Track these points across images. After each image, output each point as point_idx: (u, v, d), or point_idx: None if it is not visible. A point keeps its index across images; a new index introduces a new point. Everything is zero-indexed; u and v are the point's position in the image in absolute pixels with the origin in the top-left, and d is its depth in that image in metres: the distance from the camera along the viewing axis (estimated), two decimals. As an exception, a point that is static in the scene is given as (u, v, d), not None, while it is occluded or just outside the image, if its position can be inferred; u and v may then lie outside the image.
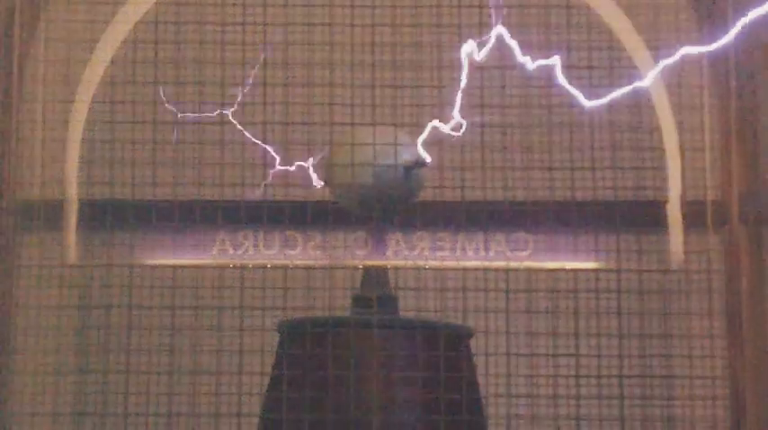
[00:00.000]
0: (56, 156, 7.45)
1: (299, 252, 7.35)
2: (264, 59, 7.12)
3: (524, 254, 7.29)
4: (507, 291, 7.06)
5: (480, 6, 7.20)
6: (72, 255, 7.40)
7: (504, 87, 7.09)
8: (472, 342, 6.96)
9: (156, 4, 7.33)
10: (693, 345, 7.08)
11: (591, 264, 7.20)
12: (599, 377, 7.01)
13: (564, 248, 7.22)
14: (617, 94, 6.92)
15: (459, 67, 7.07)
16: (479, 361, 6.98)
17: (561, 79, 6.76)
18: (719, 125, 7.40)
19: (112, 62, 7.36)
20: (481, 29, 7.07)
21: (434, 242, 7.36)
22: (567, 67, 7.13)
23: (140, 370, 7.10)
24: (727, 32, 7.17)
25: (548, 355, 7.06)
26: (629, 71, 7.36)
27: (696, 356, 7.07)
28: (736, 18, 7.15)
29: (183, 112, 7.09)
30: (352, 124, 6.96)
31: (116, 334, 7.18)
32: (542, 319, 7.13)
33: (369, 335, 6.62)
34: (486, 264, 7.22)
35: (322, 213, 7.13)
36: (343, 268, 7.15)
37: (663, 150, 7.35)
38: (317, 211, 7.15)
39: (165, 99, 7.04)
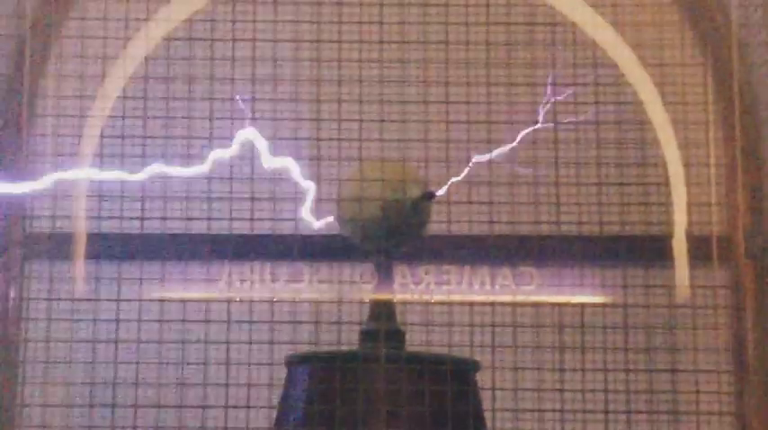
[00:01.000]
0: (65, 189, 7.48)
1: (306, 285, 7.38)
2: (274, 94, 7.18)
3: (530, 288, 7.32)
4: (514, 326, 7.08)
5: (487, 43, 7.27)
6: (80, 288, 7.42)
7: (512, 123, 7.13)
8: (479, 376, 6.97)
9: (166, 39, 7.39)
10: (700, 381, 7.08)
11: (597, 299, 7.23)
12: (606, 412, 7.02)
13: (570, 283, 7.25)
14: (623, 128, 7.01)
15: (467, 103, 7.15)
16: (486, 395, 6.99)
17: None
18: (725, 160, 7.43)
19: (123, 96, 7.41)
20: (488, 67, 7.16)
21: (440, 276, 7.38)
22: (574, 104, 7.20)
23: (148, 403, 7.11)
24: (732, 67, 7.25)
25: (555, 390, 7.06)
26: (634, 106, 7.42)
27: (703, 391, 7.07)
28: (741, 53, 7.23)
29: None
30: (360, 159, 6.99)
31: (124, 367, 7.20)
32: (549, 354, 7.13)
33: (376, 368, 6.63)
34: (493, 298, 7.24)
35: (329, 247, 7.16)
36: (350, 302, 7.18)
37: (668, 185, 7.39)
38: (325, 245, 7.18)
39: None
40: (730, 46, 7.23)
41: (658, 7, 7.35)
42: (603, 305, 7.20)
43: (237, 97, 7.10)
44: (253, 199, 7.15)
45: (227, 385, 7.07)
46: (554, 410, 7.05)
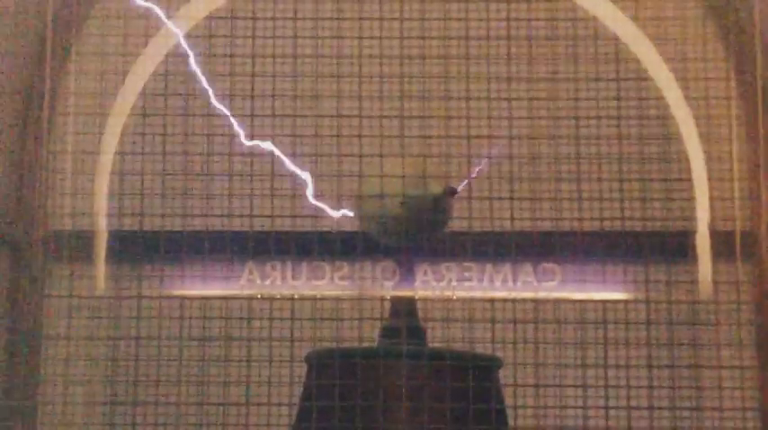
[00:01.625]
0: (86, 188, 7.50)
1: (327, 282, 7.36)
2: (294, 92, 7.17)
3: (552, 284, 7.28)
4: (536, 322, 7.06)
5: (508, 38, 7.24)
6: (101, 285, 7.43)
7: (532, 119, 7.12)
8: (501, 373, 6.95)
9: (186, 36, 7.39)
10: (723, 376, 7.04)
11: (620, 295, 7.19)
12: (629, 408, 6.98)
13: (593, 279, 7.21)
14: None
15: (487, 99, 7.13)
16: (508, 392, 6.96)
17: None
18: (748, 156, 7.39)
19: (143, 94, 7.43)
20: (509, 60, 7.14)
21: (462, 273, 7.36)
22: (595, 99, 7.18)
23: (169, 401, 7.11)
24: (755, 63, 7.20)
25: (576, 386, 7.03)
26: (656, 101, 7.38)
27: (726, 388, 7.03)
28: (764, 47, 7.18)
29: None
30: (381, 155, 6.97)
31: (145, 364, 7.21)
32: (571, 350, 7.10)
33: (397, 365, 6.62)
34: (515, 294, 7.21)
35: (351, 244, 7.14)
36: (371, 299, 7.16)
37: (691, 181, 7.35)
38: (346, 242, 7.16)
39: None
40: (753, 40, 7.19)
41: (680, 2, 7.32)
42: (626, 301, 7.16)
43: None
44: (272, 195, 7.14)
45: (247, 382, 7.06)
46: (576, 407, 7.01)
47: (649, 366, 7.01)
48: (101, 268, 7.44)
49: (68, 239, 7.40)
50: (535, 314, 7.12)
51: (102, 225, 7.47)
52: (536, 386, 6.97)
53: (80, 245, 7.41)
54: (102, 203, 7.50)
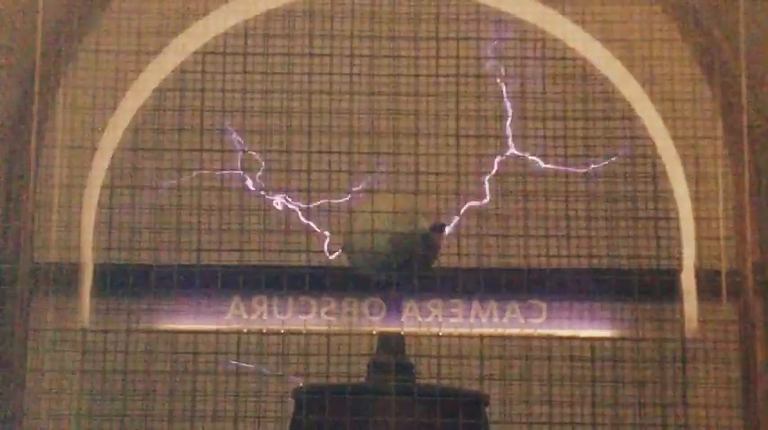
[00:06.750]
0: (72, 221, 7.47)
1: (314, 318, 7.36)
2: (288, 127, 7.20)
3: (539, 321, 7.31)
4: (523, 357, 7.08)
5: (497, 76, 7.31)
6: (86, 319, 7.38)
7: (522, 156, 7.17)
8: (489, 409, 6.96)
9: (175, 71, 7.41)
10: (710, 415, 7.07)
11: (606, 332, 7.22)
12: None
13: (579, 316, 7.25)
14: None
15: (477, 137, 7.18)
16: (496, 428, 6.97)
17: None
18: (734, 195, 7.45)
19: (134, 128, 7.43)
20: (500, 99, 7.21)
21: (448, 309, 7.37)
22: (584, 138, 7.25)
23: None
24: (741, 104, 7.29)
25: (563, 423, 7.04)
26: (645, 141, 7.45)
27: (713, 426, 7.06)
28: (751, 90, 7.27)
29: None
30: (372, 191, 7.00)
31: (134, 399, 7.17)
32: (557, 387, 7.12)
33: (385, 401, 6.62)
34: (501, 330, 7.23)
35: (339, 279, 7.15)
36: (358, 334, 7.16)
37: (678, 220, 7.40)
38: (334, 277, 7.17)
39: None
40: (740, 81, 7.27)
41: (668, 43, 7.40)
42: (612, 339, 7.19)
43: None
44: (265, 231, 7.15)
45: (235, 417, 7.04)
46: (563, 443, 7.03)
47: (640, 403, 7.03)
48: (85, 301, 7.39)
49: (54, 272, 7.35)
50: (522, 350, 7.14)
51: (88, 258, 7.44)
52: (525, 423, 6.98)
53: (67, 278, 7.36)
54: (87, 236, 7.47)
